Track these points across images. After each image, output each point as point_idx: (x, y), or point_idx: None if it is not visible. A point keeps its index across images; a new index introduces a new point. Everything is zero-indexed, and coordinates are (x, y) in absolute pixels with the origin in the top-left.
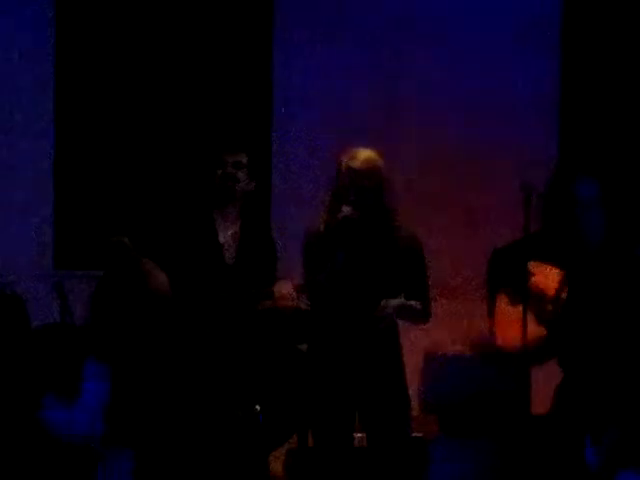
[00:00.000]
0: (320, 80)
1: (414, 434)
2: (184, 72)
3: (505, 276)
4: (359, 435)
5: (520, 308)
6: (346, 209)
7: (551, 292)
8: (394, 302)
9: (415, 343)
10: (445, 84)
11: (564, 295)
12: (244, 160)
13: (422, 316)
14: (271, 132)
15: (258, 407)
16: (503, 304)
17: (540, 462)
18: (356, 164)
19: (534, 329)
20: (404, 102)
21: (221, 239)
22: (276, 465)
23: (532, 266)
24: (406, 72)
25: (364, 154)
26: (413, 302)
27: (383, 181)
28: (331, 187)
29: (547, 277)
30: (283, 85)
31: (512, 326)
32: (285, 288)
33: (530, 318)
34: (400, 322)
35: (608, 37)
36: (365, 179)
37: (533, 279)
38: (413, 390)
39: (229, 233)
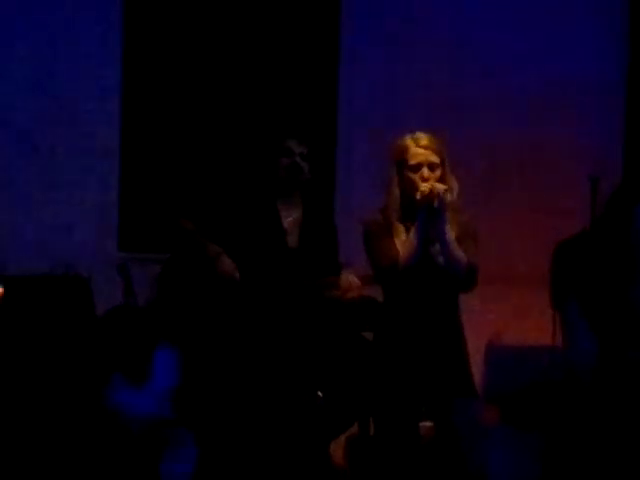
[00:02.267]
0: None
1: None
2: (249, 56)
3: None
4: (426, 424)
5: None
6: (425, 185)
7: None
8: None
9: (478, 333)
10: (512, 79)
11: None
12: (307, 151)
13: (464, 269)
14: (337, 122)
15: (320, 394)
16: None
17: (600, 454)
18: (423, 142)
19: None
20: (468, 100)
21: (284, 224)
22: (337, 453)
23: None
24: (469, 70)
25: (426, 134)
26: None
27: (446, 160)
28: (393, 171)
29: None
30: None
31: None
32: (351, 279)
33: None
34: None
35: None
36: (434, 155)
37: None
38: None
39: (292, 218)
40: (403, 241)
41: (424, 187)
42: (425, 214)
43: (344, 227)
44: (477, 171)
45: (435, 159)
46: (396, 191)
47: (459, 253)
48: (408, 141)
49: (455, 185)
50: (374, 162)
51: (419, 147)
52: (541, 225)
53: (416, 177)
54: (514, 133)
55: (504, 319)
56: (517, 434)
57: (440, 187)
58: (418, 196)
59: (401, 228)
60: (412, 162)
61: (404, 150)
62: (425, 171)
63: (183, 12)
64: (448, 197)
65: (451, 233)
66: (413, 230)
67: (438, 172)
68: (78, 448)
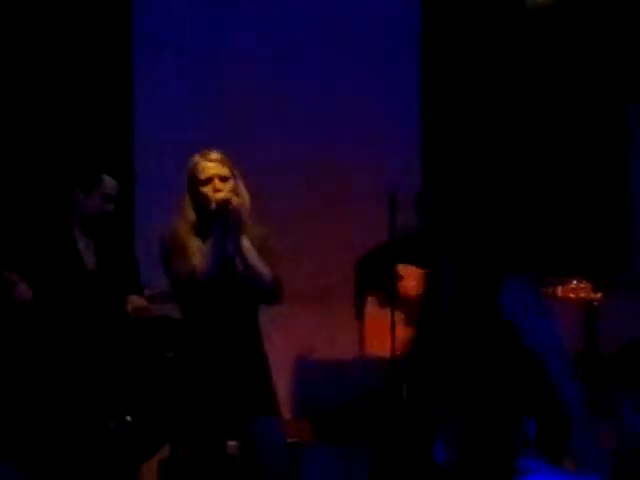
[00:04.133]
0: None
1: (288, 439)
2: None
3: (374, 280)
4: (232, 443)
5: (389, 311)
6: (218, 195)
7: (416, 292)
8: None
9: (284, 348)
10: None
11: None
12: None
13: (270, 281)
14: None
15: (129, 417)
16: (371, 308)
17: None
18: (212, 157)
19: (403, 331)
20: (265, 111)
21: (80, 246)
22: (148, 476)
23: (399, 269)
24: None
25: (215, 151)
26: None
27: (237, 175)
28: (187, 190)
29: (412, 278)
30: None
31: (382, 329)
32: (134, 300)
33: (399, 320)
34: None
35: (469, 55)
36: (224, 168)
37: (401, 282)
38: (285, 395)
39: (88, 239)
40: (199, 256)
41: (218, 196)
42: (220, 226)
43: (145, 249)
44: (277, 189)
45: (225, 172)
46: (188, 209)
47: (262, 265)
48: (197, 157)
49: (247, 197)
50: (173, 182)
51: (208, 161)
52: (348, 239)
53: (208, 190)
54: (305, 151)
55: (314, 333)
56: (332, 449)
57: (235, 199)
58: (212, 206)
59: (196, 243)
60: (202, 176)
61: (194, 166)
62: (217, 183)
63: None
64: (241, 209)
65: (250, 246)
66: (208, 243)
67: (230, 183)
68: None
